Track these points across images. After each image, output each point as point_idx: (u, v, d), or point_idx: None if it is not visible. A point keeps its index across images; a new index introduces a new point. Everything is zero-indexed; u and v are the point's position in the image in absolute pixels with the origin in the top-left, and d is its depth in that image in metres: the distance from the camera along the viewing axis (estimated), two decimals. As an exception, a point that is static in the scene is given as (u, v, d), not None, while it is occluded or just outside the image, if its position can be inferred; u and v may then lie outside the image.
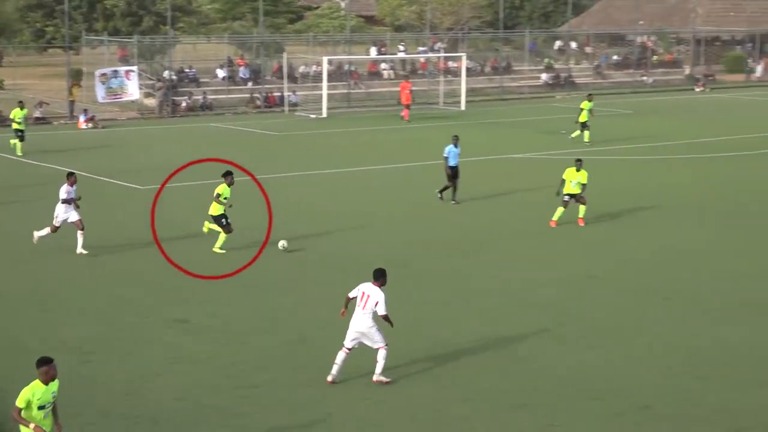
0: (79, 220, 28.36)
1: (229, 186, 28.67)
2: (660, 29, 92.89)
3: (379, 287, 18.85)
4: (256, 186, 37.87)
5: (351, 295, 19.15)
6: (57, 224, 28.53)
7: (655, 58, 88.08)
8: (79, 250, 28.27)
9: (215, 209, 28.73)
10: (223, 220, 28.70)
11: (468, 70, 71.59)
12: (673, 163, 45.41)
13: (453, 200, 35.35)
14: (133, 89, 61.41)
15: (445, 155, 35.32)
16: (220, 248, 28.77)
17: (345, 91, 70.13)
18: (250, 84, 68.77)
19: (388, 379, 19.04)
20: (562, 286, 25.87)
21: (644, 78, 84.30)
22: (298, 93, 67.41)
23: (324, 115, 62.08)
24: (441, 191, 35.64)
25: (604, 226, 32.50)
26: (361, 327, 18.83)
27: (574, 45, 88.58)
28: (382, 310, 18.72)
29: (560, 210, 32.21)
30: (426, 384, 19.25)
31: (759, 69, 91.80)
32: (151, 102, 64.61)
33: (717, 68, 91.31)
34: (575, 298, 24.94)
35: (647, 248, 29.83)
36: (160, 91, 63.88)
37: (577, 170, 32.10)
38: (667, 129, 56.69)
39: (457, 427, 17.55)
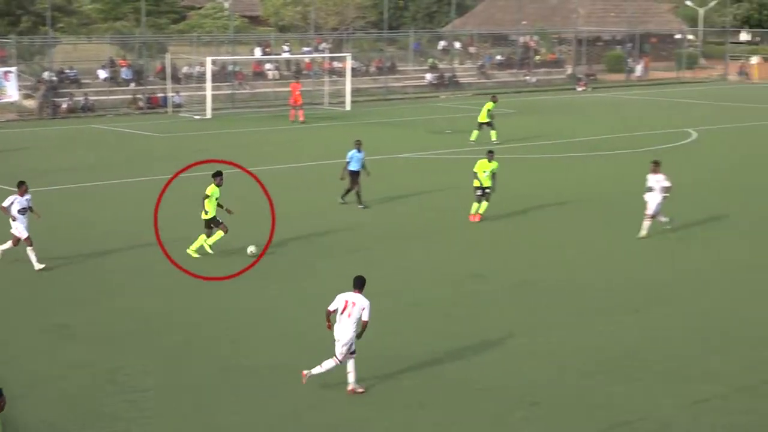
0: (28, 237, 26.95)
1: (217, 186, 28.13)
2: (542, 29, 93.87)
3: (362, 294, 18.57)
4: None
5: (331, 308, 18.65)
6: (26, 234, 26.97)
7: (537, 57, 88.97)
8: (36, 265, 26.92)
9: (205, 213, 28.10)
10: (212, 224, 28.19)
11: (353, 70, 71.46)
12: (556, 161, 45.80)
13: (341, 200, 35.05)
14: (11, 90, 60.11)
15: (347, 159, 34.85)
16: (211, 246, 28.29)
17: (229, 91, 69.49)
18: (132, 85, 67.75)
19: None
20: (452, 286, 25.89)
21: (527, 78, 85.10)
22: (181, 94, 66.62)
23: (208, 116, 61.45)
24: (344, 197, 35.05)
25: (492, 225, 32.55)
26: (346, 336, 18.46)
27: (458, 45, 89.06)
28: (366, 316, 18.37)
29: (476, 204, 32.65)
30: (316, 386, 18.95)
31: (638, 68, 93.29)
32: (31, 103, 63.22)
33: (598, 68, 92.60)
34: (465, 296, 24.98)
35: (535, 246, 30.06)
36: (40, 92, 62.63)
37: (489, 161, 32.65)
38: (550, 128, 57.20)
39: (354, 428, 17.44)
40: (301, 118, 59.54)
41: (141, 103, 65.49)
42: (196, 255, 28.17)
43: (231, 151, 47.89)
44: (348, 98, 67.40)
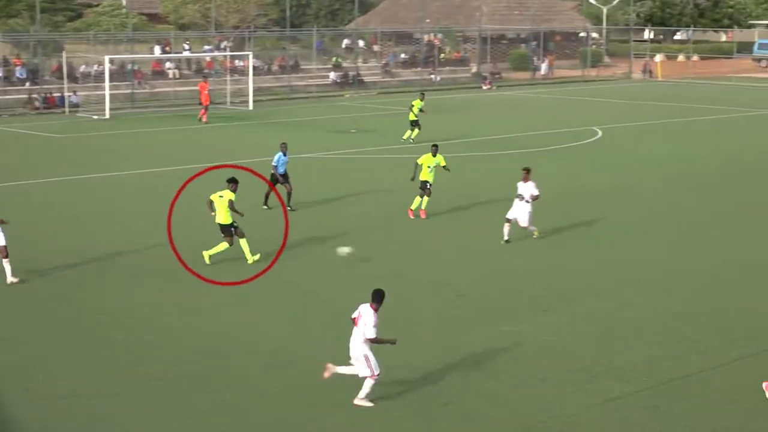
0: (4, 246, 25.02)
1: (232, 192, 27.05)
2: (446, 27, 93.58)
3: (374, 310, 17.68)
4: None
5: (353, 316, 17.96)
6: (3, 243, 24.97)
7: (442, 56, 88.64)
8: (10, 279, 25.06)
9: (224, 218, 26.92)
10: (232, 228, 27.05)
11: (255, 69, 70.61)
12: (464, 161, 45.26)
13: (288, 207, 33.74)
14: None
15: (274, 164, 33.71)
16: (210, 256, 27.01)
17: (128, 91, 68.11)
18: (27, 84, 66.14)
19: (370, 404, 17.80)
20: (357, 286, 25.00)
21: (432, 76, 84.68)
22: (79, 93, 65.16)
23: (107, 116, 60.10)
24: (289, 202, 33.82)
25: (409, 224, 32.11)
26: (354, 350, 17.76)
27: (361, 43, 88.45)
28: (368, 333, 17.52)
29: (418, 199, 32.49)
30: (200, 393, 18.43)
31: (543, 67, 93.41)
32: None
33: (503, 66, 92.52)
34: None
35: (447, 246, 29.56)
36: (-70, 93, 60.79)
37: (434, 155, 32.64)
38: (457, 127, 56.73)
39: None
40: (204, 119, 58.26)
41: (37, 103, 63.98)
42: (208, 261, 27.09)
43: (131, 152, 46.84)
44: (250, 97, 66.40)
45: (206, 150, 47.42)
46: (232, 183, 27.23)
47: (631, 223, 32.73)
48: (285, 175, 33.79)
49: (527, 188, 29.24)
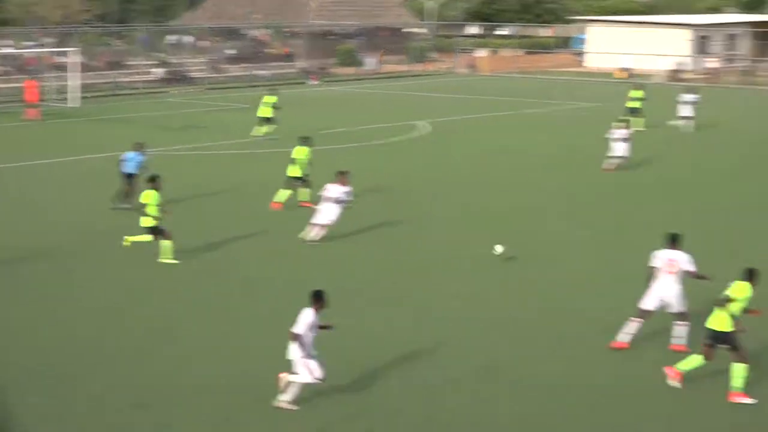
0: None
1: (158, 191, 26.02)
2: (275, 23, 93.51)
3: (315, 310, 17.46)
4: None
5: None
6: None
7: (270, 51, 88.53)
8: None
9: (146, 221, 25.94)
10: (154, 230, 26.06)
11: (79, 65, 69.31)
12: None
13: (125, 205, 32.30)
14: None
15: (122, 159, 32.94)
16: (172, 257, 26.25)
17: (-55, 89, 66.31)
18: None
19: (293, 407, 17.58)
20: (226, 287, 25.29)
21: (261, 72, 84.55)
22: None
23: None
24: (123, 200, 32.76)
25: (227, 222, 31.99)
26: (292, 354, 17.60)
27: (188, 39, 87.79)
28: (294, 327, 17.29)
29: (283, 192, 32.79)
30: (44, 388, 18.36)
31: (370, 62, 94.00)
32: None
33: (331, 61, 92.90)
34: (245, 299, 24.33)
35: (268, 244, 29.61)
36: None
37: (307, 147, 33.05)
38: (284, 122, 56.72)
39: (71, 428, 16.97)
40: (38, 116, 56.87)
41: None
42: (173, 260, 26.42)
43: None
44: (75, 94, 65.30)
45: (31, 148, 46.59)
46: (152, 181, 26.50)
47: (453, 218, 33.10)
48: (132, 176, 32.75)
49: (346, 192, 29.05)
